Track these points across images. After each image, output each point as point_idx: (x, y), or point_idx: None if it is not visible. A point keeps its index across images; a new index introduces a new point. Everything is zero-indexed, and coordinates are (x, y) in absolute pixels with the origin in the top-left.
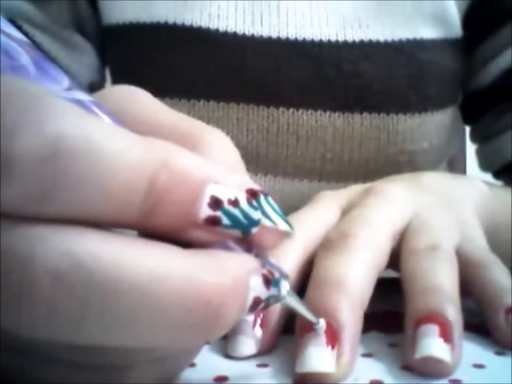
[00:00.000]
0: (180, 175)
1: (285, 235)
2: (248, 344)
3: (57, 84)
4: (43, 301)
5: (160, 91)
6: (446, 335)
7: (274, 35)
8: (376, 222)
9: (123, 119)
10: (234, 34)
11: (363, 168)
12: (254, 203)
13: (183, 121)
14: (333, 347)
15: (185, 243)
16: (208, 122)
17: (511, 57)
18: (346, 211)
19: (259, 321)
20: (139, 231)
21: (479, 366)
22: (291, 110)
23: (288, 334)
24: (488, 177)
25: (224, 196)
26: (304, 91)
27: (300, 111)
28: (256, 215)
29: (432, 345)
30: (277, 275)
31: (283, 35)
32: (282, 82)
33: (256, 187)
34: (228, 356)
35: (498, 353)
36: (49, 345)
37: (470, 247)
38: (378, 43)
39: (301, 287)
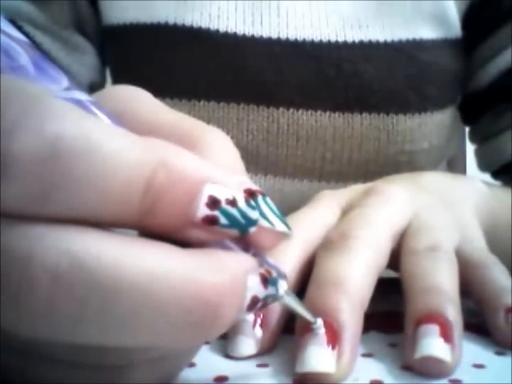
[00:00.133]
0: (178, 174)
1: (283, 236)
2: (248, 344)
3: (56, 84)
4: (42, 301)
5: (160, 91)
6: (446, 335)
7: (274, 35)
8: (377, 223)
9: (123, 119)
10: (234, 35)
11: (363, 168)
12: (252, 202)
13: (183, 121)
14: (333, 347)
15: (183, 243)
16: (208, 122)
17: (510, 58)
18: (346, 211)
19: (259, 321)
20: (138, 230)
21: (479, 366)
22: (291, 110)
23: (288, 334)
24: (488, 177)
25: (222, 196)
26: (304, 92)
27: (300, 111)
28: (254, 214)
29: (432, 345)
30: (275, 274)
31: (283, 35)
32: (282, 83)
33: (254, 187)
34: (228, 356)
35: (498, 353)
36: (49, 345)
37: (470, 247)
38: (377, 44)
39: (301, 287)
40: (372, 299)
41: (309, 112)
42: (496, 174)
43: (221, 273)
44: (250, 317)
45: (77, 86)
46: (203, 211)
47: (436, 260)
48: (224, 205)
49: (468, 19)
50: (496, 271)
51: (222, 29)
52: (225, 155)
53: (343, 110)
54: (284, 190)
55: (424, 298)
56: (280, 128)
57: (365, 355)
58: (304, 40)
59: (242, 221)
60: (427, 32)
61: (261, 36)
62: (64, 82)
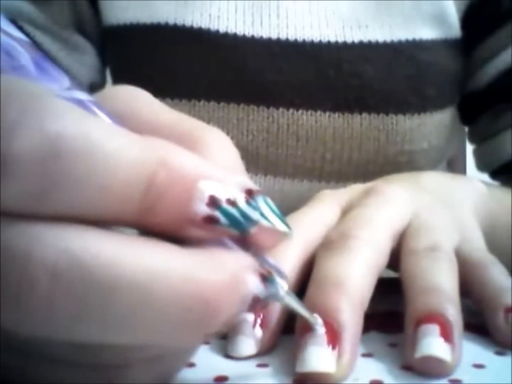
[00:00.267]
0: (178, 173)
1: (283, 235)
2: (248, 344)
3: (57, 84)
4: (41, 299)
5: (160, 91)
6: (446, 335)
7: (274, 36)
8: (377, 223)
9: (123, 119)
10: (234, 35)
11: (363, 168)
12: (252, 202)
13: (183, 121)
14: (333, 347)
15: (183, 241)
16: (208, 122)
17: (509, 58)
18: (346, 211)
19: (259, 321)
20: (138, 229)
21: (479, 366)
22: (291, 110)
23: (288, 334)
24: (487, 177)
25: (222, 195)
26: (304, 92)
27: (300, 111)
28: (254, 214)
29: (433, 344)
30: (274, 273)
31: (283, 36)
32: (282, 83)
33: (254, 187)
34: (228, 356)
35: (498, 353)
36: (48, 344)
37: (469, 248)
38: (377, 44)
39: (302, 287)
40: (372, 299)
41: (309, 112)
42: (495, 174)
43: (221, 272)
44: (250, 317)
45: (78, 86)
46: (203, 210)
47: (436, 260)
48: (224, 204)
49: (468, 19)
50: (495, 271)
51: (222, 29)
52: (225, 155)
53: (342, 111)
54: (284, 190)
55: (424, 298)
56: (280, 128)
57: (365, 355)
58: (304, 41)
59: (242, 221)
60: (426, 32)
61: (261, 37)
62: (65, 82)
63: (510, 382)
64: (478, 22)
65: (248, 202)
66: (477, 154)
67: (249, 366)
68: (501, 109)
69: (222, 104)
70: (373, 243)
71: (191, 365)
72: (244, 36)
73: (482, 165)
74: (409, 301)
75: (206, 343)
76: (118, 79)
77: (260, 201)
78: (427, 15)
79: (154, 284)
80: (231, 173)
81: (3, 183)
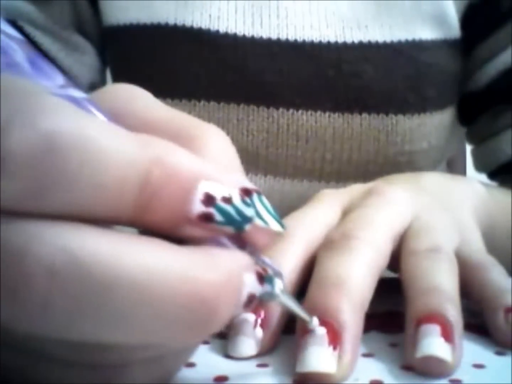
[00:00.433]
0: (173, 171)
1: (277, 235)
2: (248, 344)
3: (51, 81)
4: (38, 296)
5: (160, 91)
6: (447, 335)
7: (274, 36)
8: (378, 224)
9: (120, 117)
10: (234, 36)
11: (363, 169)
12: (247, 199)
13: (180, 119)
14: (334, 348)
15: (179, 240)
16: (208, 122)
17: (508, 58)
18: (347, 211)
19: (259, 321)
20: (134, 227)
21: (479, 366)
22: (291, 110)
23: (288, 334)
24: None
25: (217, 193)
26: (304, 92)
27: (300, 111)
28: (249, 211)
29: (433, 344)
30: (270, 272)
31: (282, 36)
32: (282, 83)
33: (249, 185)
34: (228, 356)
35: (498, 353)
36: (47, 343)
37: (469, 249)
38: (377, 44)
39: (302, 287)
40: (372, 299)
41: (309, 112)
42: (493, 174)
43: (217, 270)
44: (251, 317)
45: (72, 84)
46: (198, 208)
47: (436, 260)
48: (219, 202)
49: (467, 19)
50: (495, 272)
51: (222, 29)
52: (222, 153)
53: (342, 111)
54: (284, 190)
55: (425, 298)
56: (280, 128)
57: (366, 355)
58: (303, 41)
59: (238, 218)
60: (426, 32)
61: (261, 37)
62: (59, 79)
63: (510, 382)
64: (477, 22)
65: (243, 200)
66: (475, 155)
67: (249, 366)
68: (500, 109)
69: (222, 104)
70: (374, 244)
71: (191, 365)
72: (244, 37)
73: (480, 166)
74: (410, 301)
75: (206, 343)
76: (118, 79)
77: (255, 200)
78: (427, 16)
79: (151, 282)
80: (227, 171)
81: None
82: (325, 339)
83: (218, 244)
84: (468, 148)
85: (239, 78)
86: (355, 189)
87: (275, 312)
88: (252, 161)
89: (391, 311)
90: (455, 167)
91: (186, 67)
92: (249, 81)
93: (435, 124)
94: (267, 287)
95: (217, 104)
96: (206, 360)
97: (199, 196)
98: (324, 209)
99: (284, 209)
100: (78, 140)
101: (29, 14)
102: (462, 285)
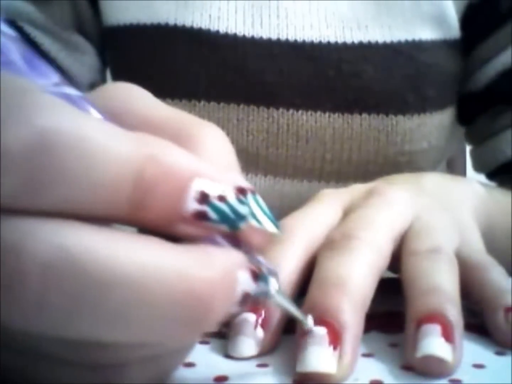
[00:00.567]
0: (168, 169)
1: (271, 235)
2: (249, 344)
3: (46, 79)
4: (33, 293)
5: (160, 92)
6: (447, 335)
7: (274, 36)
8: (378, 224)
9: (119, 115)
10: (234, 36)
11: (363, 169)
12: (242, 198)
13: (178, 117)
14: (334, 348)
15: (175, 239)
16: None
17: (507, 59)
18: (347, 211)
19: (260, 321)
20: (129, 225)
21: (479, 366)
22: (291, 111)
23: (288, 333)
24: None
25: (212, 191)
26: (304, 92)
27: (300, 112)
28: (243, 210)
29: (434, 344)
30: (265, 271)
31: (283, 36)
32: (282, 83)
33: (245, 184)
34: (228, 356)
35: (498, 353)
36: (44, 342)
37: (469, 250)
38: (377, 45)
39: (303, 287)
40: (372, 299)
41: (309, 112)
42: (491, 175)
43: (212, 268)
44: (252, 317)
45: (67, 82)
46: (192, 206)
47: (437, 261)
48: (213, 200)
49: (467, 20)
50: (495, 272)
51: (222, 30)
52: (219, 152)
53: (342, 111)
54: (284, 190)
55: (425, 298)
56: (280, 128)
57: (366, 355)
58: (303, 41)
59: (232, 216)
60: (426, 33)
61: (261, 37)
62: (54, 77)
63: (510, 382)
64: (477, 22)
65: (238, 198)
66: (474, 155)
67: (249, 366)
68: (499, 110)
69: (222, 104)
70: (374, 244)
71: (191, 365)
72: (244, 37)
73: (479, 166)
74: (410, 302)
75: (206, 343)
76: (118, 79)
77: (250, 199)
78: (427, 16)
79: (146, 280)
80: (222, 170)
81: None
82: (326, 339)
83: (213, 242)
84: (468, 148)
85: (239, 78)
86: (356, 189)
87: (276, 312)
88: (252, 161)
89: (391, 311)
90: (455, 167)
91: (186, 67)
92: (249, 81)
93: (435, 124)
94: (261, 286)
95: (217, 104)
96: (206, 360)
97: (193, 194)
98: (324, 209)
99: (284, 209)
100: (73, 137)
101: (29, 14)
102: (462, 285)
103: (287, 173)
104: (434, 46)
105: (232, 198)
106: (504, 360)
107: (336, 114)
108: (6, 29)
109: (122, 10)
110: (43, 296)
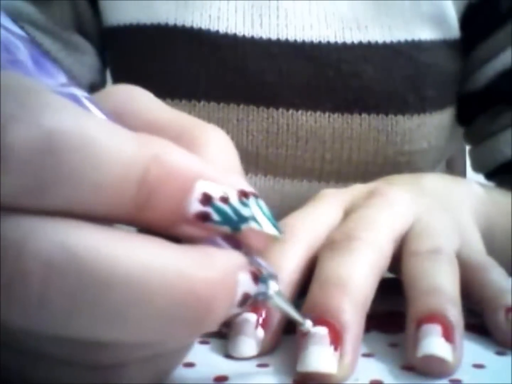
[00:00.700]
0: (171, 170)
1: (272, 239)
2: (249, 344)
3: (53, 79)
4: (34, 291)
5: (160, 92)
6: (448, 335)
7: (273, 36)
8: (380, 225)
9: (122, 117)
10: (234, 36)
11: (362, 169)
12: (245, 200)
13: (181, 119)
14: (335, 348)
15: (176, 240)
16: (208, 123)
17: (506, 59)
18: (348, 212)
19: (261, 321)
20: (132, 225)
21: (479, 366)
22: (290, 111)
23: (288, 334)
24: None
25: (215, 192)
26: (304, 92)
27: (300, 112)
28: (246, 211)
29: (435, 344)
30: (265, 273)
31: (282, 36)
32: (282, 83)
33: (248, 188)
34: (228, 356)
35: (498, 353)
36: (44, 342)
37: (469, 251)
38: (376, 45)
39: (304, 287)
40: (372, 299)
41: (309, 112)
42: (490, 175)
43: (213, 268)
44: (252, 317)
45: (74, 83)
46: (195, 207)
47: (437, 262)
48: (216, 201)
49: (466, 20)
50: (495, 273)
51: (222, 30)
52: (222, 154)
53: (342, 111)
54: (284, 190)
55: (426, 298)
56: (280, 128)
57: (366, 355)
58: (303, 41)
59: (234, 218)
60: (425, 33)
61: (261, 37)
62: (61, 77)
63: (510, 382)
64: (477, 23)
65: (240, 200)
66: (472, 155)
67: (249, 366)
68: (498, 110)
69: (222, 104)
70: (376, 245)
71: (191, 365)
72: (244, 37)
73: (477, 166)
74: (411, 302)
75: (206, 343)
76: (118, 80)
77: (252, 203)
78: (427, 16)
79: (148, 279)
80: (225, 173)
81: None
82: (327, 339)
83: (214, 244)
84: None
85: (239, 78)
86: (357, 189)
87: (276, 313)
88: (252, 161)
89: (391, 311)
90: (455, 167)
91: (186, 67)
92: (249, 81)
93: (434, 124)
94: (261, 288)
95: (217, 104)
96: (206, 360)
97: (196, 195)
98: (325, 209)
99: (284, 208)
100: (79, 138)
101: (29, 14)
102: (462, 286)
103: (286, 173)
104: (433, 46)
105: (234, 199)
106: (504, 360)
107: (336, 114)
108: (15, 28)
109: (122, 10)
110: (44, 295)
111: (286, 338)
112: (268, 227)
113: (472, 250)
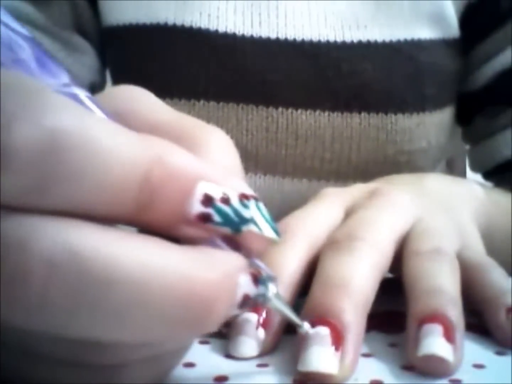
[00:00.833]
0: (173, 171)
1: (271, 242)
2: (250, 345)
3: (55, 79)
4: (36, 290)
5: (160, 91)
6: (448, 335)
7: (273, 35)
8: (381, 225)
9: (124, 118)
10: (234, 35)
11: (362, 168)
12: (245, 201)
13: (183, 120)
14: (337, 348)
15: (176, 241)
16: (207, 122)
17: (506, 59)
18: (349, 212)
19: (261, 321)
20: (133, 226)
21: (479, 366)
22: (290, 110)
23: (289, 334)
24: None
25: (216, 194)
26: (303, 91)
27: (299, 111)
28: (247, 213)
29: (435, 344)
30: (264, 274)
31: (282, 35)
32: (281, 82)
33: (248, 191)
34: (228, 356)
35: (498, 353)
36: (45, 342)
37: (469, 251)
38: (376, 44)
39: (305, 287)
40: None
41: (308, 111)
42: (488, 174)
43: (214, 269)
44: (253, 317)
45: (76, 82)
46: (197, 208)
47: (438, 262)
48: (218, 203)
49: (466, 19)
50: (495, 273)
51: (221, 29)
52: (223, 155)
53: (342, 110)
54: (283, 189)
55: (427, 298)
56: (279, 127)
57: (366, 355)
58: (303, 40)
59: (235, 219)
60: (425, 32)
61: (260, 36)
62: (64, 77)
63: (510, 382)
64: (476, 22)
65: (241, 201)
66: (471, 155)
67: (250, 366)
68: (497, 110)
69: (221, 103)
70: (377, 245)
71: (191, 365)
72: (243, 36)
73: (476, 166)
74: (412, 302)
75: (206, 343)
76: (118, 79)
77: (252, 206)
78: (426, 15)
79: (149, 279)
80: (226, 174)
81: (1, 175)
82: (328, 339)
83: (214, 245)
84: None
85: (238, 77)
86: (358, 188)
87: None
88: (251, 160)
89: (391, 311)
90: (455, 167)
91: (186, 66)
92: (248, 80)
93: (434, 123)
94: (261, 289)
95: (217, 103)
96: (206, 360)
97: (198, 196)
98: (326, 209)
99: (284, 208)
100: (81, 138)
101: (28, 15)
102: (463, 286)
103: (286, 172)
104: (433, 45)
105: (235, 201)
106: (504, 360)
107: (336, 113)
108: (18, 27)
109: (122, 10)
110: (45, 294)
111: (286, 338)
112: (267, 230)
113: (473, 251)
